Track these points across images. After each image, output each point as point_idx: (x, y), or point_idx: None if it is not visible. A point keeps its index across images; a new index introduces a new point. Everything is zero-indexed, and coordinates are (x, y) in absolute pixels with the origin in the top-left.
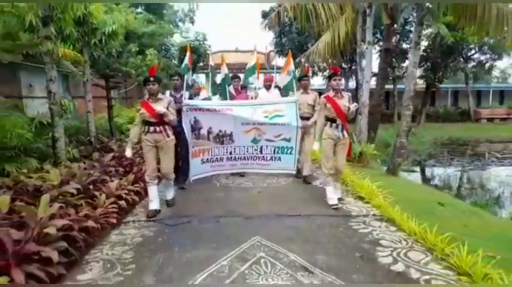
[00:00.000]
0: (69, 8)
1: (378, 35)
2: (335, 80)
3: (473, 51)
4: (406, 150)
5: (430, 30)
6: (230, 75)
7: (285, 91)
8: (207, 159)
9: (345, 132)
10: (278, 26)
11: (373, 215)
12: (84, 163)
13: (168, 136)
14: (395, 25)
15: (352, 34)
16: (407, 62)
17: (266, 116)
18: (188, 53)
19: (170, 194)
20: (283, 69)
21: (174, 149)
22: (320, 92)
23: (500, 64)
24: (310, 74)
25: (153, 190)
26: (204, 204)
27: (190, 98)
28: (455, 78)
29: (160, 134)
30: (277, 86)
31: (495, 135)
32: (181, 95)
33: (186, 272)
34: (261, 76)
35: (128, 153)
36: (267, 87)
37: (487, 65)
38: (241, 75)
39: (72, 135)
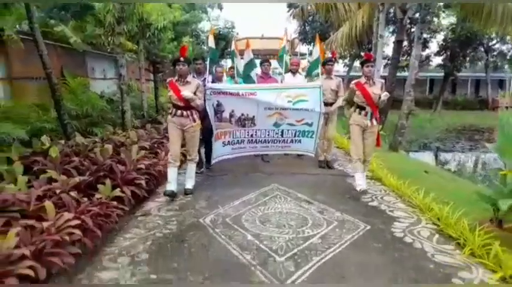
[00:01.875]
0: (135, 10)
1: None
2: (367, 66)
3: (494, 41)
4: (405, 130)
5: (450, 20)
6: (258, 60)
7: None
8: (228, 141)
9: (374, 120)
10: (301, 18)
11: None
12: (146, 129)
13: (195, 121)
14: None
15: (368, 26)
16: (427, 51)
17: (289, 101)
18: (210, 36)
19: (190, 182)
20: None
21: (199, 133)
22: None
23: None
24: (336, 58)
25: (172, 172)
26: (235, 166)
27: (213, 82)
28: (477, 67)
29: (187, 118)
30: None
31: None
32: (205, 79)
33: (226, 200)
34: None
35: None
36: (293, 71)
37: (509, 54)
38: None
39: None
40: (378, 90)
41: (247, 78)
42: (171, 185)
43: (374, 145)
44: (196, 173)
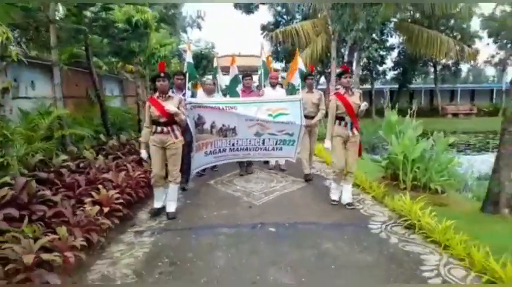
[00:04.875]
0: (147, 45)
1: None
2: (345, 77)
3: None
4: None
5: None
6: (240, 75)
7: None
8: (210, 151)
9: (354, 130)
10: (273, 40)
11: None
12: None
13: (177, 137)
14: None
15: (326, 49)
16: (384, 66)
17: (270, 114)
18: (188, 51)
19: (172, 207)
20: (292, 69)
21: (181, 150)
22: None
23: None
24: (315, 72)
25: (158, 192)
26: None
27: (192, 96)
28: (428, 79)
29: (167, 135)
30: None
31: (459, 127)
32: (184, 94)
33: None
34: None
35: (143, 154)
36: (273, 84)
37: (453, 68)
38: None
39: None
40: (357, 100)
41: (233, 94)
42: (158, 204)
43: (356, 155)
44: (184, 189)
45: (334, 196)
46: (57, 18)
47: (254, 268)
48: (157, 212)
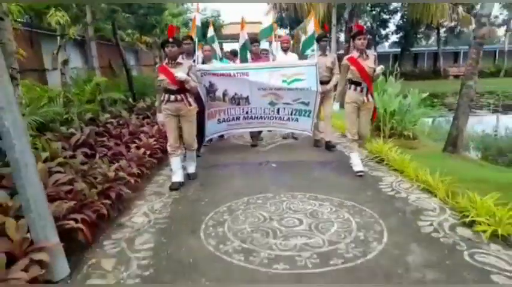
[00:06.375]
0: (163, 18)
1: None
2: (360, 39)
3: (444, 19)
4: None
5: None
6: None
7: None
8: (224, 119)
9: (369, 96)
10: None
11: None
12: None
13: (190, 104)
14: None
15: (328, 13)
16: (386, 30)
17: (284, 81)
18: (197, 15)
19: (192, 167)
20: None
21: (196, 117)
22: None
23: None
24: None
25: (175, 162)
26: None
27: (203, 62)
28: (432, 41)
29: (181, 102)
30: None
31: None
32: (194, 60)
33: None
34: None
35: (160, 118)
36: (285, 49)
37: (456, 30)
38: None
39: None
40: (372, 64)
41: (244, 60)
42: (177, 176)
43: (369, 122)
44: (198, 156)
45: (357, 167)
46: None
47: (260, 187)
48: (177, 188)
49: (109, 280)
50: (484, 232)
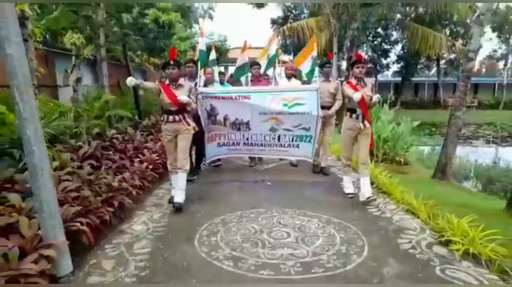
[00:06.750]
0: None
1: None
2: (358, 67)
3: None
4: None
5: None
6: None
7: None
8: (224, 143)
9: (366, 122)
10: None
11: None
12: None
13: (189, 124)
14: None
15: (330, 43)
16: (388, 59)
17: (285, 105)
18: (201, 39)
19: (180, 195)
20: (304, 54)
21: (191, 137)
22: None
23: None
24: (333, 60)
25: (175, 179)
26: None
27: (205, 86)
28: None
29: (179, 123)
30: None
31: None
32: (196, 83)
33: None
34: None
35: (131, 80)
36: (289, 76)
37: (456, 62)
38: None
39: None
40: (369, 92)
41: (236, 82)
42: (178, 196)
43: (368, 147)
44: (188, 180)
45: (348, 189)
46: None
47: (254, 202)
48: (180, 208)
49: (108, 278)
50: (458, 250)
